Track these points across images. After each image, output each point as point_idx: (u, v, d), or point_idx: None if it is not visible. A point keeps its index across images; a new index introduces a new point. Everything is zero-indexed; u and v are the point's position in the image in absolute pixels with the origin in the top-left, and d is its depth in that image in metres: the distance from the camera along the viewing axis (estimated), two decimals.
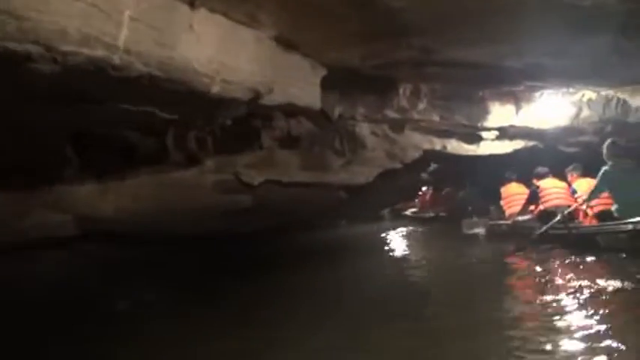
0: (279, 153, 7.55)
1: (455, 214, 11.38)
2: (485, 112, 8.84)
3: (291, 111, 6.75)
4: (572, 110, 9.30)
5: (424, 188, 14.67)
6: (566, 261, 5.39)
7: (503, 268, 5.90)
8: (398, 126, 8.72)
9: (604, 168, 5.73)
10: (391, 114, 8.23)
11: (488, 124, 8.97)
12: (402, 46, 5.26)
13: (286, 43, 4.70)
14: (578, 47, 5.26)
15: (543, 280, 4.78)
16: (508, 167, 9.47)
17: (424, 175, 17.28)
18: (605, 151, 5.89)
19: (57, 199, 5.70)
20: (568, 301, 3.86)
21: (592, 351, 2.84)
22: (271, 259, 7.79)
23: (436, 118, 8.58)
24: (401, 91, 8.01)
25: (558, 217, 6.16)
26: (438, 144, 9.12)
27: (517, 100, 8.87)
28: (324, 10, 3.96)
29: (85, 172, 6.43)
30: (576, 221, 6.35)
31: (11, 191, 5.19)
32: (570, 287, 4.25)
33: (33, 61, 2.59)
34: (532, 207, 7.36)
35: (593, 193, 5.89)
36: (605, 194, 5.76)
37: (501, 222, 8.03)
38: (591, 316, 3.40)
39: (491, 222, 8.25)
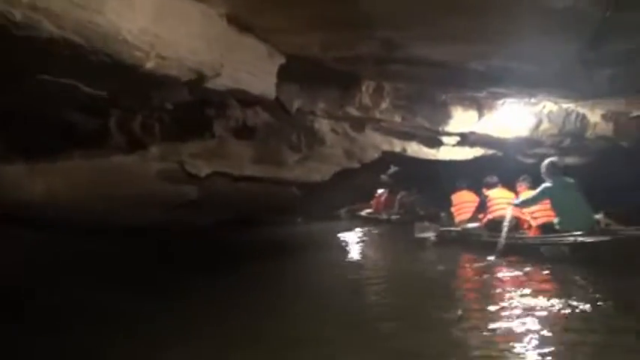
0: (231, 144, 7.12)
1: (407, 218, 11.53)
2: (448, 117, 8.68)
3: (244, 99, 6.34)
4: (533, 121, 9.30)
5: (380, 190, 14.67)
6: (512, 269, 5.61)
7: (452, 275, 6.06)
8: (359, 124, 8.44)
9: (544, 184, 6.08)
10: (352, 111, 7.93)
11: (449, 128, 8.82)
12: (365, 39, 4.96)
13: (239, 23, 4.31)
14: (545, 53, 5.12)
15: (490, 289, 5.00)
16: (467, 174, 9.42)
17: (384, 177, 17.34)
18: (544, 169, 6.18)
19: None
20: (514, 311, 3.99)
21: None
22: (216, 256, 7.35)
23: (398, 119, 8.34)
24: (364, 88, 7.73)
25: (505, 228, 6.27)
26: (397, 146, 8.91)
27: (480, 106, 8.76)
28: None
29: (12, 152, 5.87)
30: (521, 231, 6.59)
31: None
32: (517, 296, 4.43)
33: None
34: (481, 215, 7.50)
35: (526, 203, 6.25)
36: (548, 206, 6.05)
37: (451, 228, 8.18)
38: (538, 326, 3.53)
39: (442, 228, 8.34)
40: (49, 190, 5.96)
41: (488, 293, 4.79)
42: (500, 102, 8.21)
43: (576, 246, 5.25)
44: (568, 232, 5.47)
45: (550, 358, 3.00)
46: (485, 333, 3.53)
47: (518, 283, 4.95)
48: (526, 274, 5.32)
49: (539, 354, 3.05)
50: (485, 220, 7.22)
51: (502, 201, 7.07)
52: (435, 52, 5.16)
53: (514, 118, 8.98)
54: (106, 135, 6.35)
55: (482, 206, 7.39)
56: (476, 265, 6.16)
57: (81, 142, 6.17)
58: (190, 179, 6.47)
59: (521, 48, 4.94)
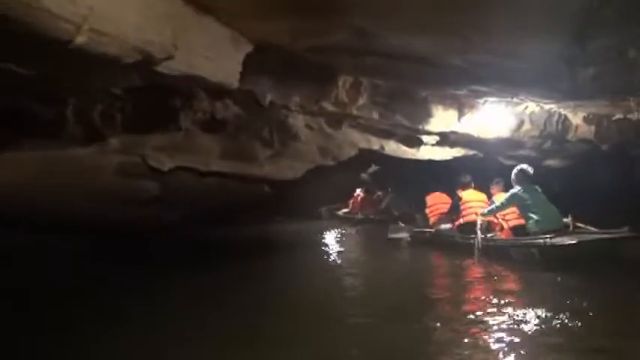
0: (199, 137, 6.74)
1: (382, 218, 11.56)
2: (428, 115, 8.41)
3: (211, 89, 5.98)
4: (514, 122, 9.09)
5: (358, 190, 14.38)
6: (484, 270, 5.75)
7: (427, 276, 6.13)
8: (335, 121, 8.11)
9: (513, 190, 6.24)
10: (329, 107, 7.60)
11: (429, 127, 8.54)
12: (337, 26, 4.62)
13: (198, 3, 3.93)
14: (528, 50, 4.86)
15: (461, 289, 5.14)
16: (446, 174, 9.22)
17: (364, 176, 17.08)
18: (513, 176, 6.38)
19: None
20: (485, 310, 4.08)
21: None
22: (184, 256, 6.92)
23: (376, 116, 8.04)
24: (340, 83, 7.40)
25: (479, 233, 6.36)
26: (375, 144, 8.60)
27: (460, 105, 8.52)
28: None
29: None
30: (493, 233, 6.65)
31: None
32: (488, 297, 4.54)
33: None
34: (454, 217, 7.45)
35: (493, 211, 6.44)
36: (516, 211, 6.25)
37: (425, 230, 8.10)
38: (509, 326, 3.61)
39: (416, 229, 8.28)
40: None
41: (455, 293, 4.94)
42: (481, 101, 7.96)
43: (545, 248, 5.40)
44: (538, 234, 5.64)
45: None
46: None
47: (488, 286, 5.13)
48: (495, 275, 5.50)
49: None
50: (457, 223, 7.21)
51: (475, 204, 7.07)
52: (412, 44, 4.85)
53: (495, 118, 8.76)
54: (62, 125, 5.92)
55: (456, 208, 7.34)
56: (446, 266, 6.31)
57: (33, 132, 5.73)
58: (152, 174, 6.07)
59: (503, 42, 4.68)
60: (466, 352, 3.20)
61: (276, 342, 3.42)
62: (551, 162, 10.63)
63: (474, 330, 3.59)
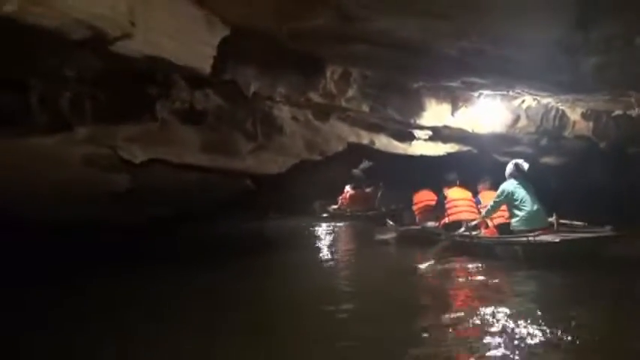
0: (176, 128, 6.32)
1: (372, 215, 11.65)
2: (420, 109, 8.05)
3: (186, 76, 5.60)
4: (510, 117, 8.77)
5: (347, 186, 14.33)
6: (469, 268, 5.81)
7: (411, 275, 6.00)
8: (322, 113, 7.73)
9: (504, 184, 6.19)
10: (316, 98, 7.20)
11: (422, 121, 8.18)
12: (320, 8, 4.24)
13: None
14: (526, 36, 4.49)
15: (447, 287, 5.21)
16: (439, 170, 8.92)
17: (356, 172, 16.77)
18: (507, 170, 6.33)
19: None
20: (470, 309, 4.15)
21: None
22: (159, 255, 6.53)
23: (366, 108, 7.66)
24: (328, 73, 7.01)
25: (463, 229, 6.60)
26: (365, 138, 8.23)
27: (454, 99, 8.16)
28: None
29: None
30: (478, 231, 6.66)
31: None
32: (472, 296, 4.69)
33: None
34: (440, 215, 7.44)
35: (492, 209, 6.32)
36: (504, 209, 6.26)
37: (411, 227, 8.18)
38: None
39: (402, 228, 8.32)
40: None
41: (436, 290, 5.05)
42: (475, 94, 7.60)
43: (529, 246, 5.48)
44: (522, 232, 5.71)
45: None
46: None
47: (473, 284, 5.19)
48: (481, 273, 5.52)
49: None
50: (443, 222, 7.18)
51: (460, 202, 7.06)
52: (399, 27, 4.47)
53: (490, 113, 8.43)
54: (25, 112, 5.50)
55: (441, 206, 7.32)
56: (432, 263, 6.21)
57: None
58: (123, 166, 5.66)
59: (498, 28, 4.31)
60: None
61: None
62: (547, 159, 10.29)
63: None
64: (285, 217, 13.03)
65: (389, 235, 8.11)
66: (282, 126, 7.12)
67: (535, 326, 3.43)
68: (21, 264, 5.50)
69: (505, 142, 9.49)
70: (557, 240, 5.22)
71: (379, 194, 13.21)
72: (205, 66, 4.43)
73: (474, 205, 7.11)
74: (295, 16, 4.56)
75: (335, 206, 14.40)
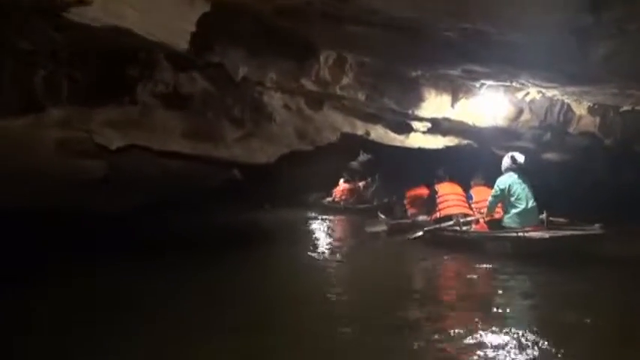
0: (158, 113, 5.95)
1: (365, 208, 11.68)
2: (419, 100, 7.68)
3: (169, 56, 5.23)
4: (513, 110, 8.39)
5: (341, 180, 14.34)
6: (457, 262, 5.92)
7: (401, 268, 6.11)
8: (316, 101, 7.36)
9: (500, 179, 6.12)
10: (309, 85, 6.85)
11: (420, 113, 7.82)
12: None
13: None
14: (532, 19, 4.10)
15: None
16: (437, 164, 8.65)
17: (354, 165, 16.48)
18: (504, 164, 6.28)
19: None
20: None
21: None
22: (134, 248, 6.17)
23: (361, 97, 7.30)
24: (322, 59, 6.67)
25: (452, 222, 6.63)
26: (360, 128, 7.86)
27: (455, 90, 7.78)
28: None
29: None
30: (469, 226, 6.63)
31: None
32: (460, 288, 4.82)
33: None
34: (431, 210, 7.47)
35: (491, 206, 6.25)
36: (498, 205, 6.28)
37: (402, 221, 8.18)
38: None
39: (392, 221, 8.29)
40: None
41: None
42: (477, 85, 7.22)
43: (518, 242, 5.52)
44: (513, 229, 5.74)
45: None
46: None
47: (462, 278, 5.27)
48: (470, 267, 5.53)
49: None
50: (434, 217, 7.18)
51: (450, 197, 7.09)
52: (396, 7, 4.08)
53: (492, 105, 8.05)
54: None
55: (432, 202, 7.35)
56: (420, 258, 6.26)
57: None
58: (99, 152, 5.31)
59: (502, 8, 3.93)
60: None
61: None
62: (549, 155, 9.92)
63: None
64: (279, 209, 12.89)
65: (379, 228, 8.03)
66: (271, 113, 6.75)
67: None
68: None
69: (507, 137, 9.12)
70: (546, 236, 5.29)
71: (372, 188, 13.26)
72: (181, 42, 4.08)
73: (465, 199, 7.15)
74: None
75: (330, 199, 14.22)
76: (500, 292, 4.41)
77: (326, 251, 7.10)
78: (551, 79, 5.82)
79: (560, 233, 5.40)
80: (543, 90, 7.09)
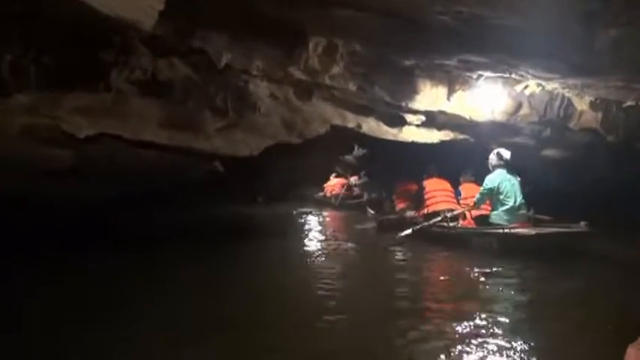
0: (134, 101, 5.61)
1: (355, 203, 12.02)
2: (413, 91, 7.32)
3: (143, 39, 4.87)
4: (511, 104, 8.03)
5: (332, 175, 14.60)
6: (443, 257, 6.01)
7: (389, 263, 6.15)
8: (304, 91, 6.99)
9: (489, 177, 6.25)
10: (297, 74, 6.49)
11: (414, 105, 7.46)
12: None
13: None
14: (532, 3, 3.76)
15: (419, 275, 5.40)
16: (433, 159, 8.45)
17: (349, 159, 16.22)
18: (491, 161, 6.43)
19: None
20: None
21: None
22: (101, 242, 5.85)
23: (353, 87, 6.94)
24: (311, 46, 6.29)
25: (440, 217, 6.66)
26: (351, 121, 7.49)
27: (451, 82, 7.41)
28: None
29: None
30: (456, 222, 6.75)
31: None
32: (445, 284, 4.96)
33: None
34: (418, 206, 7.62)
35: (479, 202, 6.39)
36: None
37: (391, 217, 8.33)
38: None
39: (382, 217, 8.46)
40: None
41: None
42: (474, 76, 6.84)
43: (503, 238, 5.58)
44: (500, 225, 5.81)
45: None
46: None
47: (447, 273, 5.40)
48: (455, 262, 5.68)
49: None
50: (421, 213, 7.29)
51: (438, 193, 7.20)
52: None
53: (490, 98, 7.68)
54: None
55: (420, 197, 7.48)
56: (407, 253, 6.35)
57: None
58: (67, 141, 4.95)
59: None
60: None
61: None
62: (549, 152, 9.58)
63: None
64: (272, 203, 12.84)
65: (368, 225, 8.20)
66: (257, 103, 6.38)
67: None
68: None
69: (505, 132, 8.77)
70: (532, 233, 5.40)
71: (361, 183, 13.46)
72: (147, 21, 3.71)
73: (453, 196, 7.27)
74: None
75: (322, 194, 14.20)
76: (486, 286, 4.55)
77: (311, 249, 6.84)
78: (552, 69, 5.46)
79: (546, 230, 5.50)
80: (543, 83, 6.72)
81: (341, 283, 4.95)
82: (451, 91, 7.46)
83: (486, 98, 7.64)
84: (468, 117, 7.99)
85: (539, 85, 7.24)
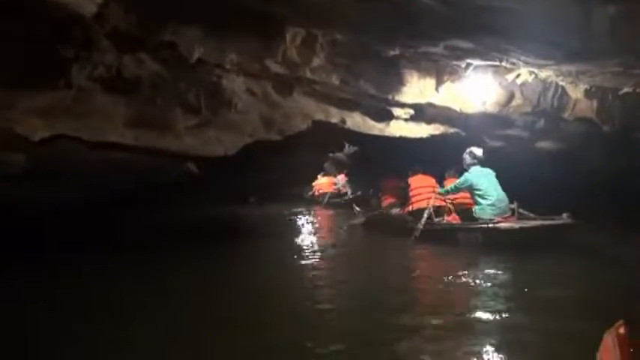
0: (97, 99, 5.20)
1: (341, 202, 12.02)
2: (399, 83, 6.95)
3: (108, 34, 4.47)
4: (503, 94, 7.69)
5: (320, 174, 14.47)
6: (431, 252, 6.16)
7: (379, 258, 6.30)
8: (285, 86, 6.59)
9: (466, 175, 6.40)
10: (274, 67, 6.11)
11: (401, 98, 7.09)
12: None
13: None
14: None
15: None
16: (427, 155, 8.20)
17: (340, 156, 15.94)
18: (466, 161, 6.53)
19: None
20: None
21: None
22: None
23: (335, 81, 6.57)
24: (289, 37, 5.91)
25: (425, 215, 6.67)
26: (334, 116, 7.10)
27: (439, 72, 7.04)
28: None
29: None
30: (441, 217, 6.86)
31: None
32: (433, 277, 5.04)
33: None
34: (403, 203, 7.64)
35: (448, 192, 6.71)
36: (468, 195, 6.45)
37: (377, 212, 8.41)
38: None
39: (368, 213, 8.57)
40: None
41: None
42: (463, 65, 6.46)
43: (488, 233, 5.71)
44: (484, 219, 5.92)
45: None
46: None
47: (434, 267, 5.59)
48: (441, 256, 5.85)
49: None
50: (406, 210, 7.32)
51: (422, 190, 7.15)
52: None
53: (480, 89, 7.33)
54: None
55: (405, 195, 7.49)
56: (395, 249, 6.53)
57: None
58: (20, 144, 4.54)
59: None
60: None
61: None
62: (543, 144, 9.24)
63: None
64: (262, 204, 12.81)
65: (357, 221, 8.31)
66: (232, 99, 5.98)
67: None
68: None
69: (497, 124, 8.44)
70: (516, 227, 5.55)
71: (346, 181, 13.59)
72: (88, 6, 3.29)
73: (437, 191, 7.18)
74: None
75: (310, 193, 14.18)
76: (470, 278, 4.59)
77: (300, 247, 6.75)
78: (545, 55, 5.08)
79: (530, 224, 5.62)
80: (536, 70, 6.36)
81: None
82: (439, 82, 7.08)
83: (477, 89, 7.29)
84: (458, 109, 7.64)
85: (531, 73, 6.88)
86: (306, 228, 9.13)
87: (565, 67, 5.82)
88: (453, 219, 6.65)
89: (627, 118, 7.96)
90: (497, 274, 4.83)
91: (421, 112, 7.71)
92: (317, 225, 9.68)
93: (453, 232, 6.31)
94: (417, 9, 4.29)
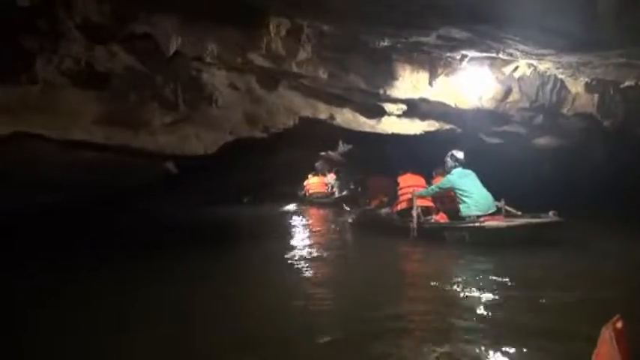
0: (65, 94, 4.84)
1: (331, 201, 12.04)
2: (391, 77, 6.61)
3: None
4: (500, 89, 7.36)
5: (310, 174, 14.39)
6: (420, 250, 6.18)
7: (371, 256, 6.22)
8: (270, 80, 6.23)
9: (447, 176, 6.55)
10: (258, 60, 5.75)
11: (393, 93, 6.75)
12: None
13: None
14: None
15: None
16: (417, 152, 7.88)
17: (334, 155, 15.62)
18: (447, 164, 6.65)
19: None
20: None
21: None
22: None
23: (323, 75, 6.21)
24: (273, 28, 5.55)
25: (415, 214, 6.70)
26: (323, 112, 6.75)
27: (432, 65, 6.70)
28: None
29: None
30: (430, 216, 6.91)
31: None
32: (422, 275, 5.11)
33: None
34: (392, 202, 7.63)
35: (428, 193, 6.85)
36: (453, 194, 6.50)
37: (367, 210, 8.47)
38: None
39: (358, 211, 8.64)
40: None
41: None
42: (457, 57, 6.13)
43: (475, 231, 5.79)
44: (471, 217, 6.02)
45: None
46: None
47: (423, 265, 5.62)
48: (431, 256, 5.81)
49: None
50: (395, 209, 7.34)
51: (412, 189, 7.08)
52: None
53: (476, 83, 6.99)
54: None
55: (394, 194, 7.47)
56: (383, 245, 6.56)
57: None
58: None
59: None
60: None
61: None
62: (542, 141, 8.92)
63: None
64: (256, 204, 12.74)
65: (347, 220, 8.41)
66: (212, 94, 5.62)
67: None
68: None
69: (494, 120, 8.11)
70: (503, 225, 5.63)
71: (335, 180, 13.65)
72: None
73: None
74: None
75: (302, 192, 14.23)
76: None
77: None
78: (544, 44, 4.74)
79: (517, 222, 5.68)
80: (535, 62, 6.04)
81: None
82: (433, 76, 6.76)
83: (472, 83, 6.95)
84: (453, 104, 7.31)
85: (530, 65, 6.56)
86: (297, 228, 8.94)
87: (565, 59, 5.49)
88: (441, 218, 6.71)
89: (629, 112, 7.64)
90: (483, 270, 4.76)
91: (414, 108, 7.38)
92: (307, 224, 9.46)
93: (441, 231, 6.36)
94: None
